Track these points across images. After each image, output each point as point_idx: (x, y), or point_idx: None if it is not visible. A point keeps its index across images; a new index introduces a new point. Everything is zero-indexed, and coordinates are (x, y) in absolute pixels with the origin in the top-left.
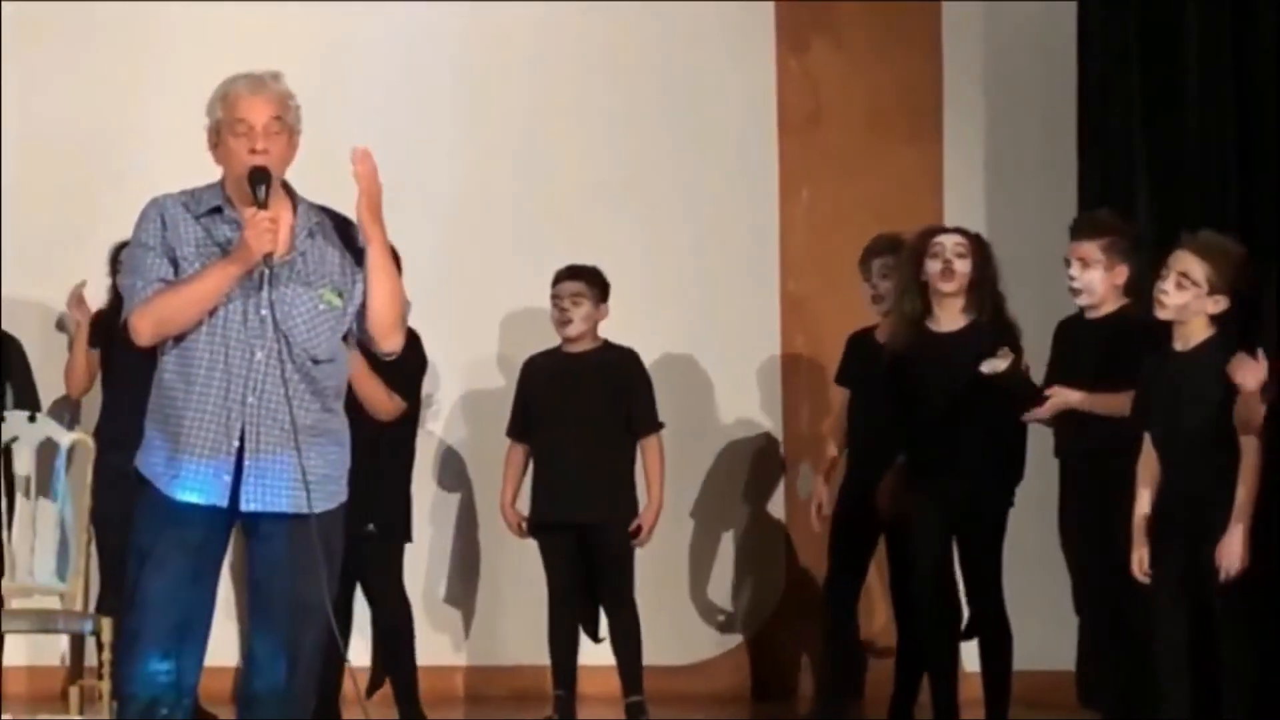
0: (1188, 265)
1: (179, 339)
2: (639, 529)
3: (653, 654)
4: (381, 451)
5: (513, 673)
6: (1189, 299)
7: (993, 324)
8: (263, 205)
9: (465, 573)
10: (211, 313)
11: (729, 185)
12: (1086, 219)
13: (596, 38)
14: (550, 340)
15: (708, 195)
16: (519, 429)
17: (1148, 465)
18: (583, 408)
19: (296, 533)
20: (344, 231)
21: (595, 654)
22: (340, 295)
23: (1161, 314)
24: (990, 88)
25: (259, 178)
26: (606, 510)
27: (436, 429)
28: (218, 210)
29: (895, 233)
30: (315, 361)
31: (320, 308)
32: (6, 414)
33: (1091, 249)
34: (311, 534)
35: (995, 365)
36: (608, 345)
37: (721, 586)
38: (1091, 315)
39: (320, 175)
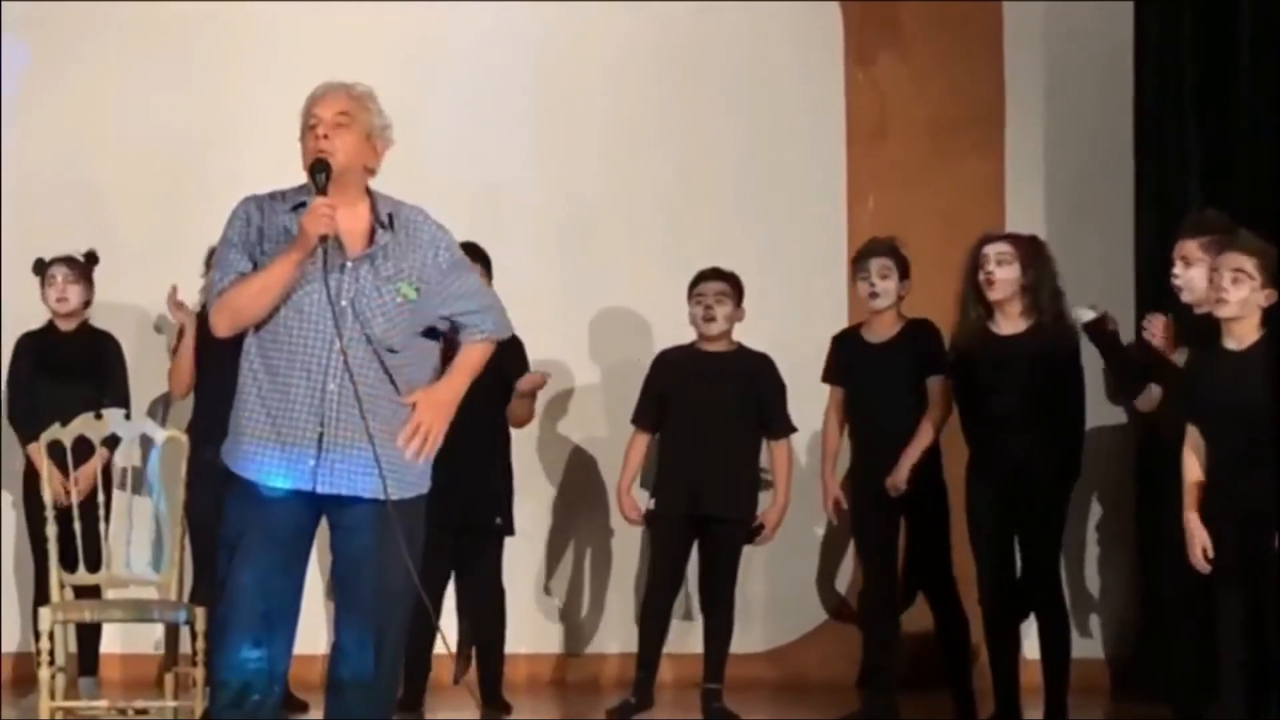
0: (1240, 261)
1: (261, 330)
2: (761, 526)
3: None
4: (497, 449)
5: (598, 660)
6: (1247, 293)
7: (1054, 325)
8: (321, 192)
9: (555, 563)
10: (295, 304)
11: (799, 192)
12: (1192, 218)
13: (674, 51)
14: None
15: (778, 201)
16: (647, 419)
17: (1193, 455)
18: (718, 405)
19: (380, 522)
20: (424, 227)
21: (676, 642)
22: (417, 290)
23: (1224, 311)
24: (1050, 98)
25: (318, 167)
26: (728, 506)
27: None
28: (302, 204)
29: (890, 236)
30: (392, 351)
31: (397, 300)
32: (104, 412)
33: (1193, 247)
34: (393, 522)
35: (1084, 314)
36: (743, 348)
37: (798, 580)
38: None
39: (404, 167)
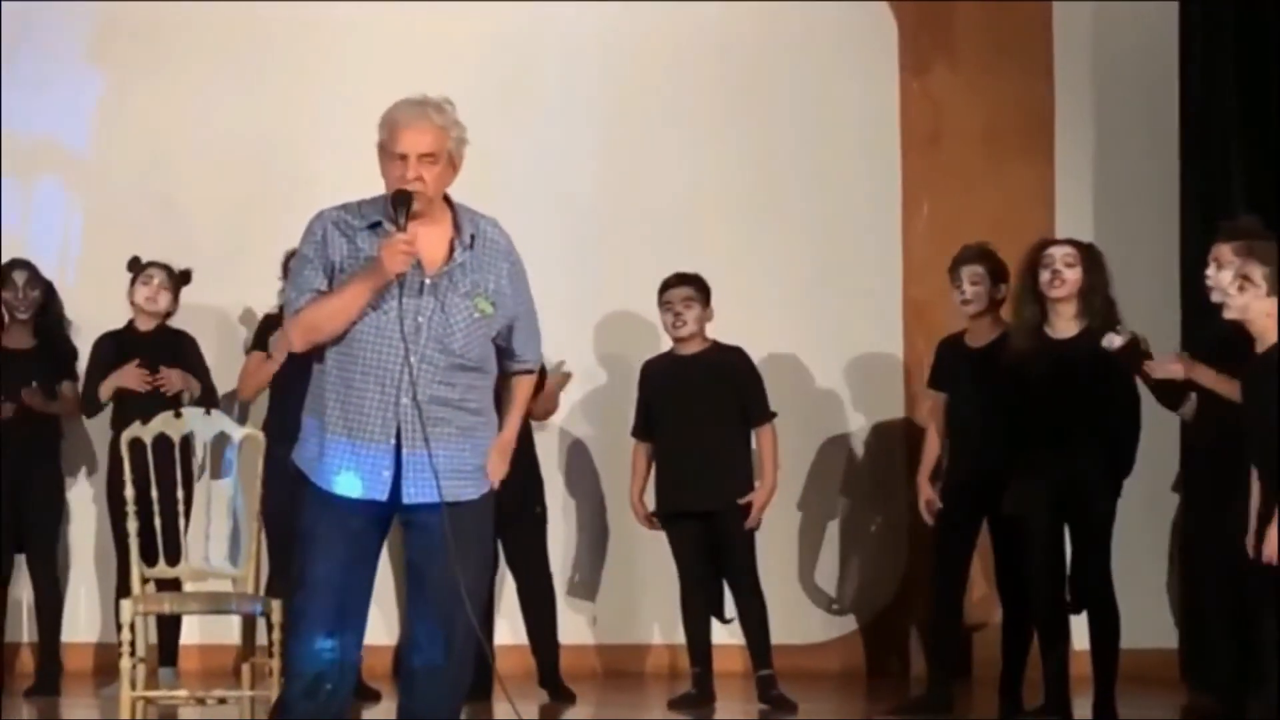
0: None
1: (339, 344)
2: (749, 506)
3: (778, 634)
4: (530, 444)
5: (644, 651)
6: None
7: (1105, 329)
8: (402, 227)
9: (597, 558)
10: (371, 321)
11: (856, 198)
12: (1229, 223)
13: (735, 63)
14: (657, 344)
15: (836, 207)
16: (643, 429)
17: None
18: (700, 404)
19: (451, 521)
20: (498, 241)
21: (723, 633)
22: (493, 304)
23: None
24: (1098, 108)
25: (400, 200)
26: (728, 498)
27: (559, 423)
28: (378, 224)
29: (984, 242)
30: (468, 367)
31: (475, 316)
32: (183, 410)
33: (1226, 251)
34: (465, 525)
35: (1113, 341)
36: (717, 345)
37: (849, 574)
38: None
39: (475, 173)
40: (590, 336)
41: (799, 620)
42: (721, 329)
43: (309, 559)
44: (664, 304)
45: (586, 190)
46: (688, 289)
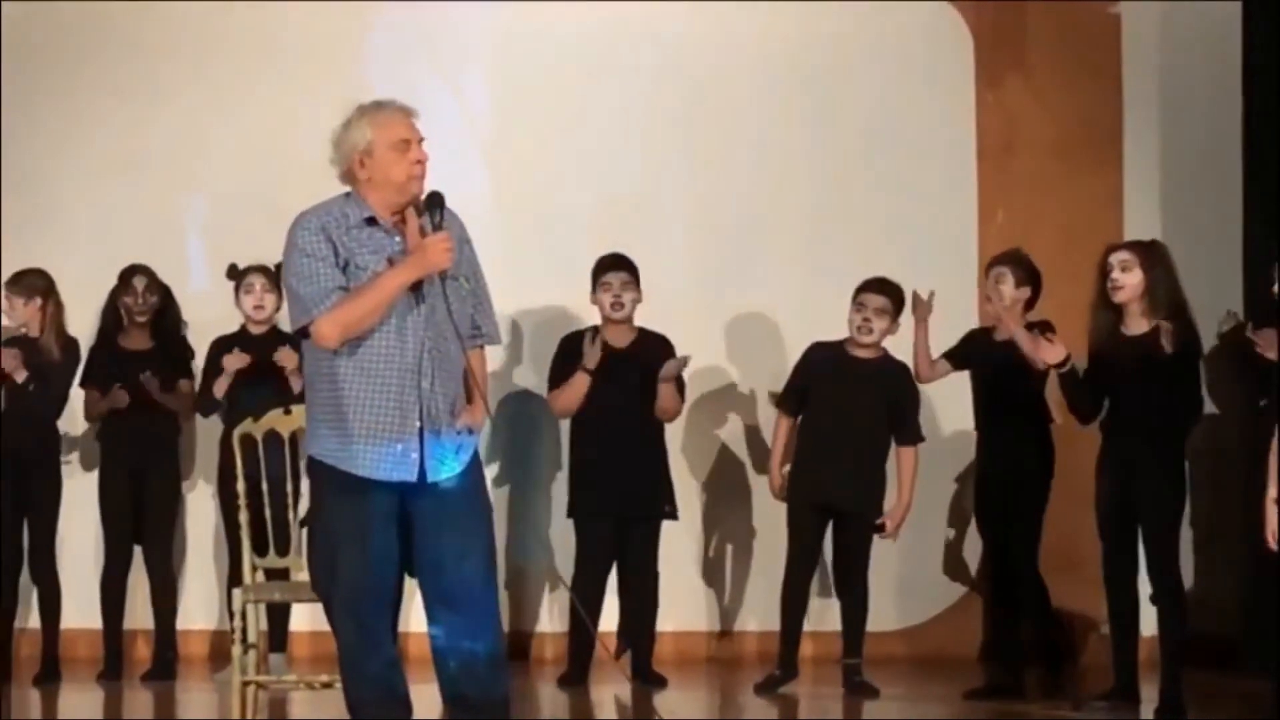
0: None
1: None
2: (884, 524)
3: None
4: (650, 440)
5: (746, 638)
6: None
7: (1174, 324)
8: (437, 226)
9: (702, 547)
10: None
11: (933, 206)
12: None
13: (812, 72)
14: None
15: (914, 215)
16: (792, 405)
17: None
18: (859, 407)
19: (458, 497)
20: (454, 223)
21: (816, 620)
22: (467, 281)
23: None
24: (1164, 118)
25: (434, 200)
26: (861, 501)
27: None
28: (371, 221)
29: (1015, 248)
30: (458, 344)
31: (462, 294)
32: (293, 408)
33: None
34: (471, 493)
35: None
36: (886, 355)
37: (926, 565)
38: None
39: (554, 177)
40: (696, 337)
41: (878, 608)
42: (804, 332)
43: (342, 553)
44: (856, 305)
45: (662, 198)
46: (883, 299)
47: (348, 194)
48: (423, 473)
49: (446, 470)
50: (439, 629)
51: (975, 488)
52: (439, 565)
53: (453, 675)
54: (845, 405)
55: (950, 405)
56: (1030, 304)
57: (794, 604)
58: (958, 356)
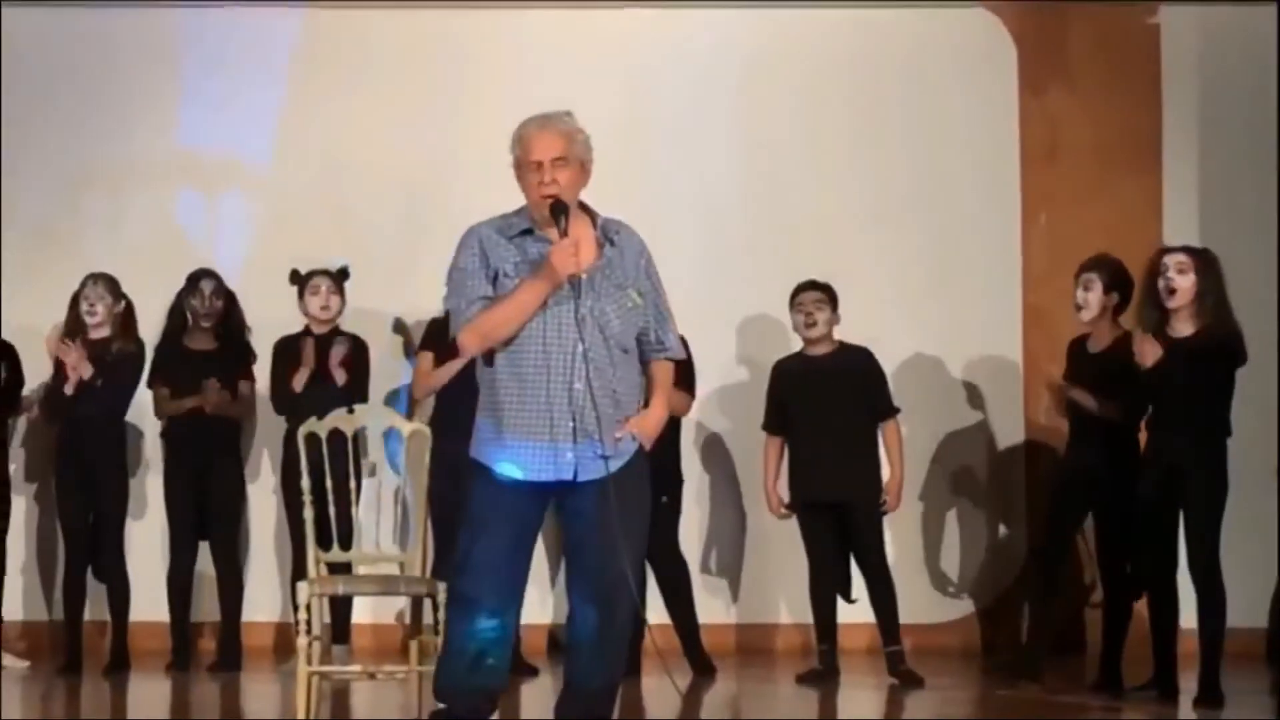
0: None
1: (508, 344)
2: (881, 496)
3: (901, 615)
4: (668, 438)
5: (777, 630)
6: None
7: (1218, 328)
8: (564, 233)
9: (734, 543)
10: (541, 317)
11: (978, 210)
12: None
13: (864, 82)
14: (788, 346)
15: (959, 218)
16: (775, 423)
17: None
18: (830, 401)
19: (605, 500)
20: (632, 239)
21: (849, 613)
22: (641, 295)
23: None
24: (1203, 125)
25: (559, 209)
26: (858, 488)
27: (697, 417)
28: (528, 232)
29: (1105, 253)
30: (624, 351)
31: (628, 305)
32: (356, 407)
33: None
34: (624, 495)
35: None
36: (844, 345)
37: (969, 559)
38: None
39: (622, 178)
40: (730, 338)
41: (920, 603)
42: (850, 334)
43: (475, 543)
44: (796, 306)
45: (719, 202)
46: (818, 293)
47: (523, 205)
48: (575, 473)
49: (597, 472)
50: (577, 622)
51: (1059, 490)
52: (584, 564)
53: (581, 666)
54: (820, 403)
55: (995, 411)
56: (1119, 309)
57: (823, 602)
58: (1072, 375)
